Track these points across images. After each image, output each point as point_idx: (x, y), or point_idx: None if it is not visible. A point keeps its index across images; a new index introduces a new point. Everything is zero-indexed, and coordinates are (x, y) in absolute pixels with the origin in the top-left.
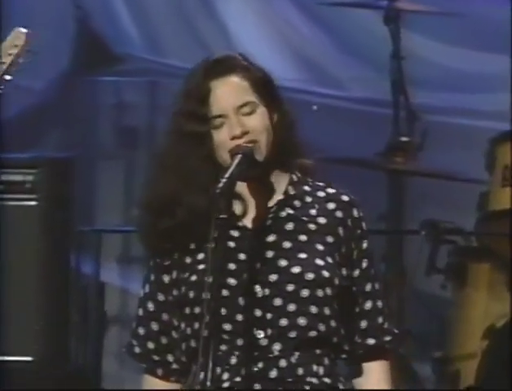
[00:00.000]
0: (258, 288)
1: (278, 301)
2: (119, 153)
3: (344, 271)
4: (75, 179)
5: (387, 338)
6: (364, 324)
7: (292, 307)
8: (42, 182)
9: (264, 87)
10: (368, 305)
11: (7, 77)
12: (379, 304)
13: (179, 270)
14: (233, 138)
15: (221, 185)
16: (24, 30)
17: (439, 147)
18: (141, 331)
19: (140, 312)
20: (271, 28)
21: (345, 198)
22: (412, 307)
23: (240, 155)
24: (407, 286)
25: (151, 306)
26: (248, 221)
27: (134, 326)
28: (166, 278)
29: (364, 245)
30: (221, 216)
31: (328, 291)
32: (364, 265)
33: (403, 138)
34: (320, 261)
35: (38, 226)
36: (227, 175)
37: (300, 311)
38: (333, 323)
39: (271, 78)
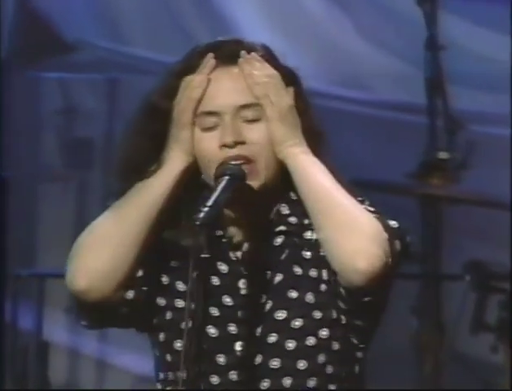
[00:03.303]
0: (239, 343)
1: (259, 358)
2: (68, 173)
3: None
4: (10, 207)
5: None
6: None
7: (275, 363)
8: None
9: None
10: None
11: None
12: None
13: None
14: (223, 147)
15: (202, 215)
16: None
17: (486, 166)
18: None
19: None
20: (275, 10)
21: None
22: (454, 374)
23: (226, 178)
24: (446, 347)
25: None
26: (238, 251)
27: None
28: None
29: None
30: (202, 255)
31: (325, 333)
32: None
33: (442, 154)
34: (311, 297)
35: None
36: (209, 203)
37: (285, 369)
38: (329, 370)
39: (300, 83)
